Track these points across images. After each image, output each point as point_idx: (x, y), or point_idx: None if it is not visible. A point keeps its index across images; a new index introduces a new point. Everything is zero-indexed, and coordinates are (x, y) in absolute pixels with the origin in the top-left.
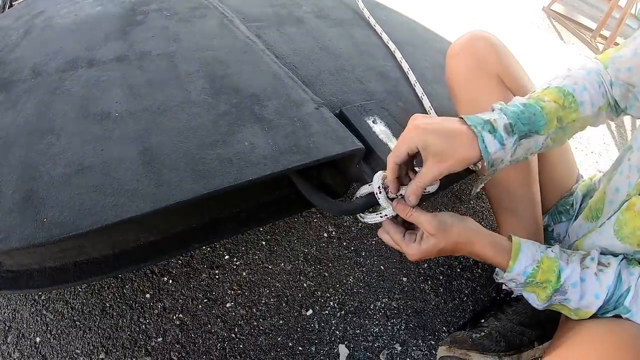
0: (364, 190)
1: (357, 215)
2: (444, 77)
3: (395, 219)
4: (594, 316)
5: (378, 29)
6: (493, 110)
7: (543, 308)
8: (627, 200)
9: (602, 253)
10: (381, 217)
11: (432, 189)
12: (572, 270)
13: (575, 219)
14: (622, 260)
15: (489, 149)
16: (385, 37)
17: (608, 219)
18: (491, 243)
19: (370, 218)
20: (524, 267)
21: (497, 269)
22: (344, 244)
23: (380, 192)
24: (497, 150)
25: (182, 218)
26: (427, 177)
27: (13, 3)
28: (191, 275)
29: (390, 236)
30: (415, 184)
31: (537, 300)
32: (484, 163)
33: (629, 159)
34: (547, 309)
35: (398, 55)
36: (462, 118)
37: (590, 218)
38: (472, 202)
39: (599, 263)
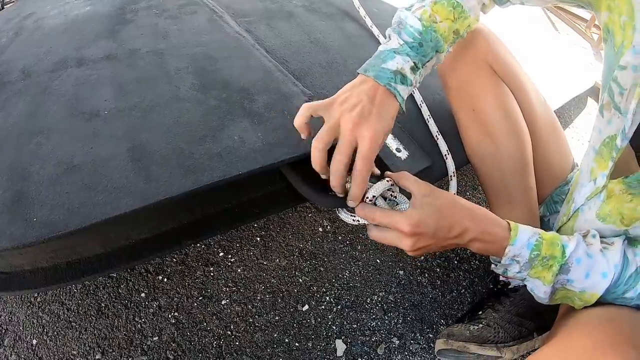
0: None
1: (346, 217)
2: (435, 68)
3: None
4: (599, 304)
5: (368, 21)
6: (390, 38)
7: (548, 298)
8: (602, 191)
9: None
10: (353, 219)
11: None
12: (577, 245)
13: (555, 206)
14: (624, 239)
15: (404, 97)
16: (375, 30)
17: (583, 204)
18: (487, 213)
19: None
20: (527, 238)
21: (492, 259)
22: (339, 238)
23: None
24: (408, 91)
25: (174, 215)
26: (373, 158)
27: (4, 6)
28: (186, 273)
29: (376, 219)
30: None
31: (543, 285)
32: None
33: (591, 139)
34: (551, 301)
35: None
36: (368, 76)
37: (568, 200)
38: (467, 194)
39: (602, 241)
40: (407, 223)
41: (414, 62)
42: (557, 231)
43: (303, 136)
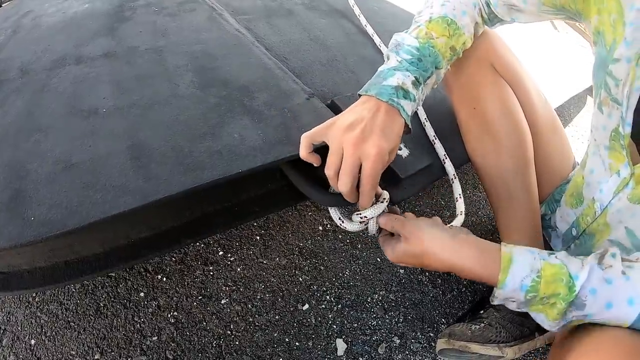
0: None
1: (335, 215)
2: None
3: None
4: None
5: (362, 20)
6: (389, 59)
7: (558, 329)
8: (630, 179)
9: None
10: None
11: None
12: (590, 273)
13: (557, 205)
14: None
15: (408, 113)
16: (370, 30)
17: (612, 199)
18: (475, 256)
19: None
20: (520, 279)
21: (494, 290)
22: (340, 236)
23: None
24: (412, 108)
25: (173, 213)
26: (377, 176)
27: (2, 4)
28: (185, 273)
29: (379, 239)
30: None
31: (546, 320)
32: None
33: (595, 139)
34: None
35: (384, 49)
36: (369, 95)
37: (574, 204)
38: (468, 192)
39: (624, 260)
40: (389, 256)
41: (414, 77)
42: (583, 232)
43: (315, 165)
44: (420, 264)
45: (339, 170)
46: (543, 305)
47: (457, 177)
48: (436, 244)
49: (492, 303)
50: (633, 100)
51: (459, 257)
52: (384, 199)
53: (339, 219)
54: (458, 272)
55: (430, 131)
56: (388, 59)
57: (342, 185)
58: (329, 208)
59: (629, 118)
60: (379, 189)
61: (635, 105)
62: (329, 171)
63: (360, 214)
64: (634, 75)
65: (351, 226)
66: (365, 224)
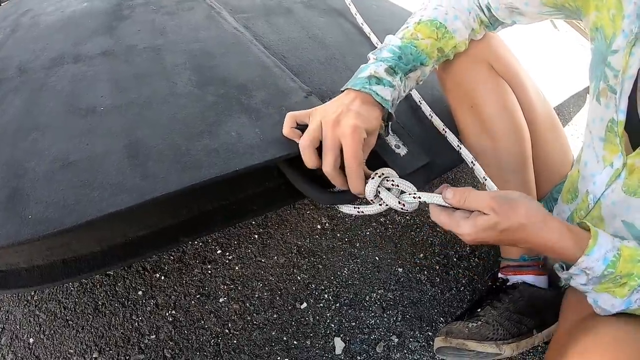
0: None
1: (348, 208)
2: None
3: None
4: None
5: (359, 18)
6: (368, 60)
7: (615, 312)
8: (622, 170)
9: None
10: (358, 211)
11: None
12: None
13: (555, 204)
14: None
15: (385, 97)
16: (367, 28)
17: (604, 191)
18: (561, 227)
19: (370, 209)
20: (605, 251)
21: (556, 265)
22: (338, 235)
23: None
24: (391, 93)
25: (171, 212)
26: (358, 152)
27: (1, 3)
28: (183, 271)
29: (437, 218)
30: (356, 167)
31: (612, 299)
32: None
33: (590, 132)
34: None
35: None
36: (348, 89)
37: (569, 200)
38: None
39: None
40: (470, 235)
41: (388, 66)
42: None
43: (297, 140)
44: (507, 240)
45: (311, 145)
46: (614, 284)
47: (476, 161)
48: (537, 217)
49: (560, 276)
50: (627, 87)
51: (554, 232)
52: (382, 174)
53: (354, 208)
54: (547, 248)
55: (439, 123)
56: (369, 59)
57: (326, 164)
58: (340, 206)
59: (623, 105)
60: (368, 170)
61: (629, 92)
62: (303, 140)
63: (364, 198)
64: (626, 64)
65: (370, 209)
66: (384, 203)
